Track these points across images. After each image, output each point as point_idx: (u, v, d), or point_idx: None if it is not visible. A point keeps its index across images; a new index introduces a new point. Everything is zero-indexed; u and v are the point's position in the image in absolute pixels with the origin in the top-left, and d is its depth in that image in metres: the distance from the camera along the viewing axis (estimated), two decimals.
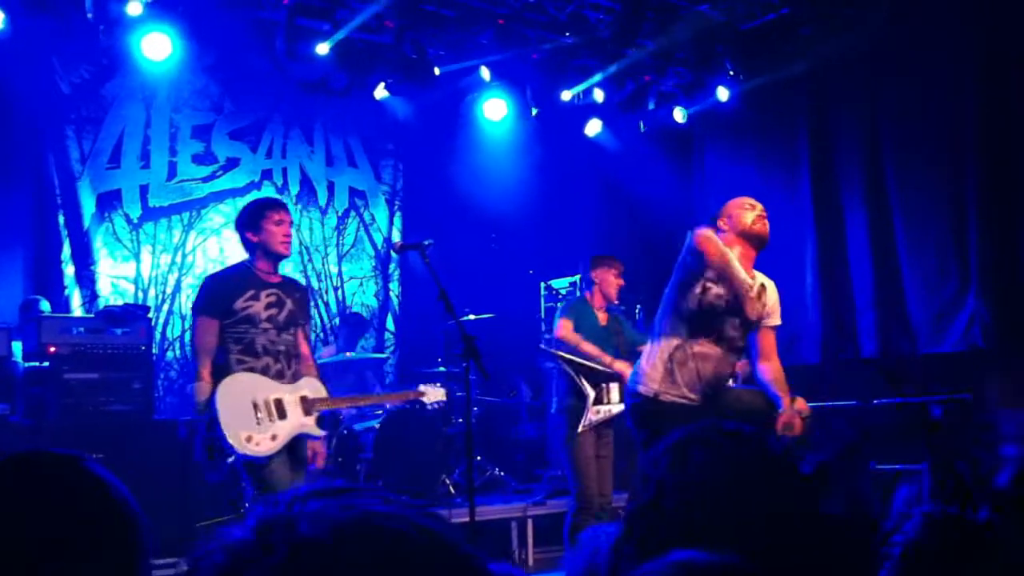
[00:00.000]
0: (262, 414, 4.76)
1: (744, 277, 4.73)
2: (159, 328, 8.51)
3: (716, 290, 4.72)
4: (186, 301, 8.67)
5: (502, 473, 8.56)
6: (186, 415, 7.44)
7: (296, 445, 4.92)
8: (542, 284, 9.67)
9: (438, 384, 5.77)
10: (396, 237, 9.95)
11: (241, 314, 4.84)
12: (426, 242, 5.10)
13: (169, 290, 8.69)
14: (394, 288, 10.00)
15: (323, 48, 8.17)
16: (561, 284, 9.50)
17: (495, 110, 9.54)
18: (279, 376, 4.89)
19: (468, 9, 8.51)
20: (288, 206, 5.22)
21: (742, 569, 1.26)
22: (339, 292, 9.69)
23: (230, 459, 4.73)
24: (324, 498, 0.92)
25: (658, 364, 4.74)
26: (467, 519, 5.09)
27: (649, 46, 9.13)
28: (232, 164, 9.15)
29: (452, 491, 7.73)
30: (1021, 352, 7.44)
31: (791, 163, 9.46)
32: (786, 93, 9.40)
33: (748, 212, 4.92)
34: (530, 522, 7.52)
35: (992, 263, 7.87)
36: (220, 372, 4.80)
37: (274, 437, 4.76)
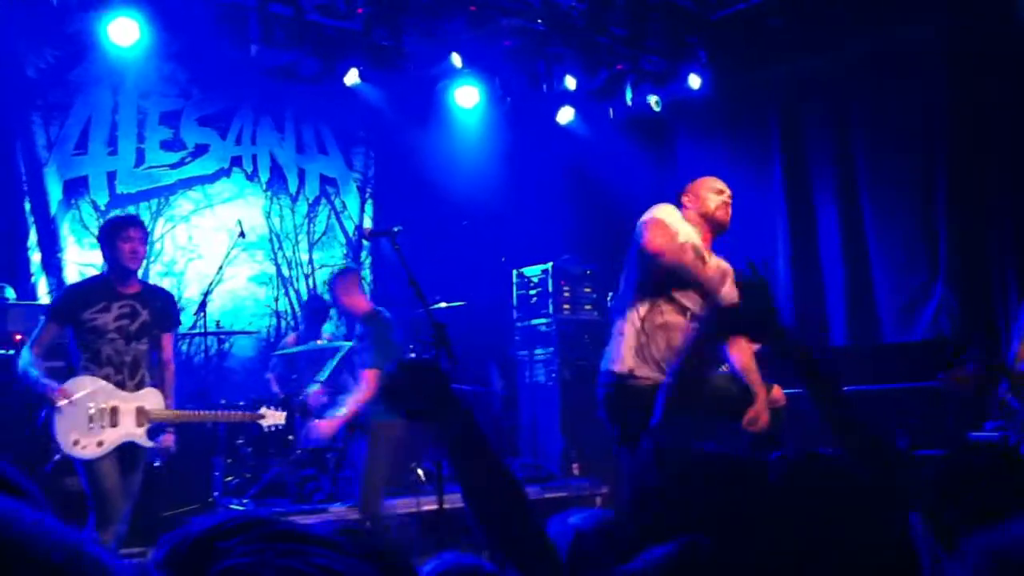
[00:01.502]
0: (95, 419, 5.08)
1: (702, 275, 4.70)
2: None
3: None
4: None
5: None
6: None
7: (127, 449, 5.18)
8: (514, 272, 9.66)
9: (278, 408, 6.00)
10: (367, 224, 9.92)
11: (88, 324, 5.17)
12: (395, 228, 5.12)
13: None
14: (366, 276, 9.95)
15: (299, 36, 8.09)
16: (533, 272, 9.49)
17: (467, 97, 9.49)
18: (119, 386, 5.19)
19: None
20: (143, 223, 5.55)
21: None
22: (310, 280, 9.64)
23: (56, 456, 5.34)
24: (240, 535, 0.89)
25: (629, 340, 4.73)
26: (436, 507, 5.11)
27: (622, 34, 9.11)
28: (201, 151, 9.07)
29: (423, 479, 7.71)
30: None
31: (763, 153, 9.49)
32: (758, 83, 9.43)
33: (714, 196, 4.96)
34: None
35: (960, 253, 7.93)
36: (70, 375, 5.20)
37: (100, 443, 5.10)
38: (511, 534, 1.83)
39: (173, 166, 8.92)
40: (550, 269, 9.33)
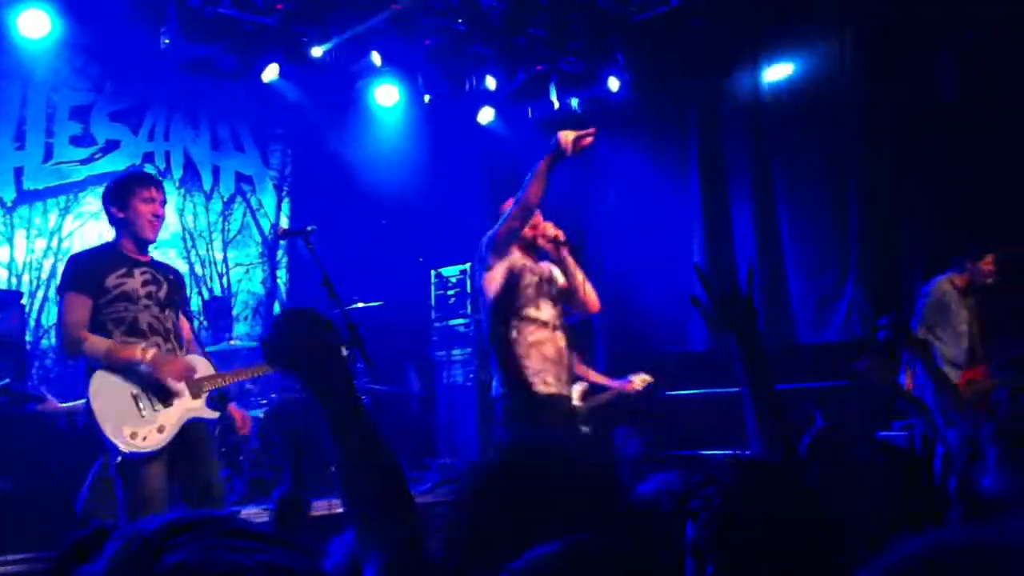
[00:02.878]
0: (144, 405, 4.34)
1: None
2: (33, 315, 8.21)
3: (527, 279, 4.86)
4: None
5: None
6: (64, 403, 7.21)
7: (192, 431, 4.45)
8: (432, 272, 9.63)
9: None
10: (284, 223, 9.80)
11: (116, 291, 4.43)
12: (309, 228, 4.94)
13: (44, 276, 8.37)
14: (281, 275, 9.83)
15: (215, 30, 7.96)
16: (451, 272, 9.47)
17: (387, 96, 9.44)
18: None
19: None
20: (163, 183, 4.87)
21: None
22: (224, 279, 9.48)
23: (117, 460, 4.28)
24: (191, 532, 0.90)
25: (513, 361, 4.78)
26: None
27: (541, 35, 9.13)
28: (112, 146, 8.87)
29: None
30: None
31: (681, 153, 9.60)
32: (677, 85, 9.53)
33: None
34: None
35: (871, 253, 8.11)
36: (91, 373, 4.35)
37: (161, 429, 4.34)
38: (385, 518, 1.73)
39: (83, 162, 8.71)
40: (468, 269, 9.31)
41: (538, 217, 4.99)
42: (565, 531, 1.30)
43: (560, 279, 5.06)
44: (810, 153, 8.60)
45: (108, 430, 4.24)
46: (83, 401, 4.43)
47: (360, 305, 8.09)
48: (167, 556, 0.87)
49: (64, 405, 6.56)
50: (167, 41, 7.84)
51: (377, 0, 8.38)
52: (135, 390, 4.36)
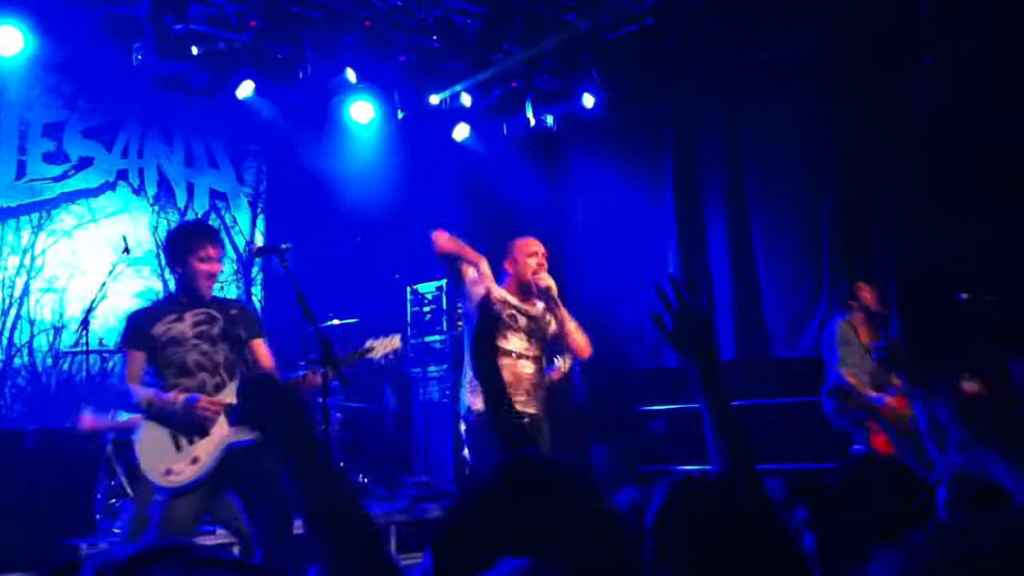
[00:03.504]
0: (182, 440, 4.51)
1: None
2: (6, 334, 8.15)
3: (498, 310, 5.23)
4: (35, 305, 8.34)
5: (366, 480, 8.48)
6: (33, 424, 7.16)
7: (237, 456, 4.48)
8: (408, 288, 9.62)
9: None
10: (259, 240, 9.76)
11: (164, 338, 4.60)
12: (284, 245, 4.97)
13: (17, 294, 8.31)
14: (256, 292, 9.79)
15: (192, 48, 7.93)
16: (427, 288, 9.47)
17: (362, 112, 9.42)
18: (217, 389, 4.61)
19: (334, 11, 8.40)
20: (219, 235, 4.99)
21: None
22: None
23: (158, 497, 4.52)
24: (161, 561, 0.93)
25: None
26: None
27: (516, 52, 9.17)
28: (85, 163, 8.82)
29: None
30: None
31: (655, 171, 9.64)
32: (651, 102, 9.58)
33: (531, 259, 5.46)
34: (393, 528, 7.46)
35: (843, 269, 8.16)
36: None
37: (195, 459, 4.48)
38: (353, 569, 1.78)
39: (56, 179, 8.66)
40: (444, 286, 9.32)
41: (541, 259, 5.46)
42: (547, 545, 1.31)
43: (552, 324, 5.45)
44: (784, 169, 8.66)
45: (144, 466, 4.50)
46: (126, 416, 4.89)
47: (335, 322, 8.08)
48: None
49: (103, 423, 6.59)
50: (139, 58, 7.82)
51: (350, 18, 8.40)
52: (173, 428, 4.54)
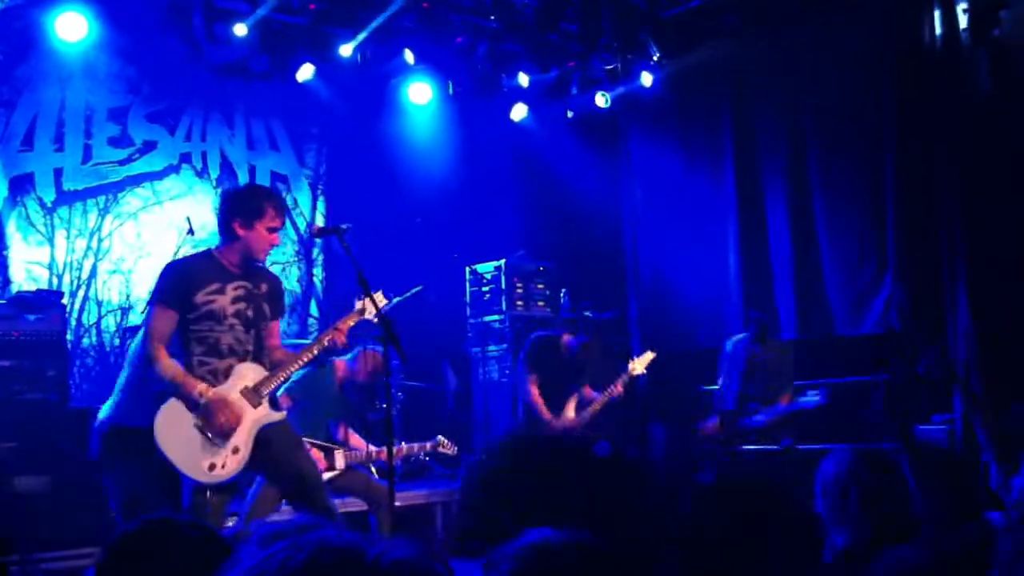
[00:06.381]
0: (212, 433, 4.42)
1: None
2: (74, 315, 8.31)
3: None
4: (102, 287, 8.49)
5: (427, 459, 8.54)
6: (101, 404, 7.29)
7: (269, 433, 4.56)
8: (467, 268, 9.65)
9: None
10: (319, 222, 9.84)
11: (203, 309, 4.49)
12: (344, 226, 4.94)
13: (84, 276, 8.48)
14: (317, 273, 9.89)
15: (241, 29, 8.00)
16: (486, 268, 9.49)
17: (420, 94, 9.46)
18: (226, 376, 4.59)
19: None
20: (288, 208, 4.95)
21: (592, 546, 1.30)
22: None
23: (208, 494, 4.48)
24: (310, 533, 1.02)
25: None
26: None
27: (573, 31, 9.13)
28: (149, 147, 8.96)
29: (375, 476, 7.67)
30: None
31: (715, 149, 9.53)
32: (710, 80, 9.47)
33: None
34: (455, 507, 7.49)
35: (908, 247, 8.03)
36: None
37: (236, 449, 4.46)
38: None
39: (121, 163, 8.80)
40: (503, 266, 9.35)
41: None
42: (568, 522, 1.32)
43: None
44: (846, 146, 8.53)
45: (185, 470, 4.36)
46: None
47: (396, 300, 8.13)
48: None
49: None
50: (204, 45, 7.92)
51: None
52: (198, 421, 4.42)
